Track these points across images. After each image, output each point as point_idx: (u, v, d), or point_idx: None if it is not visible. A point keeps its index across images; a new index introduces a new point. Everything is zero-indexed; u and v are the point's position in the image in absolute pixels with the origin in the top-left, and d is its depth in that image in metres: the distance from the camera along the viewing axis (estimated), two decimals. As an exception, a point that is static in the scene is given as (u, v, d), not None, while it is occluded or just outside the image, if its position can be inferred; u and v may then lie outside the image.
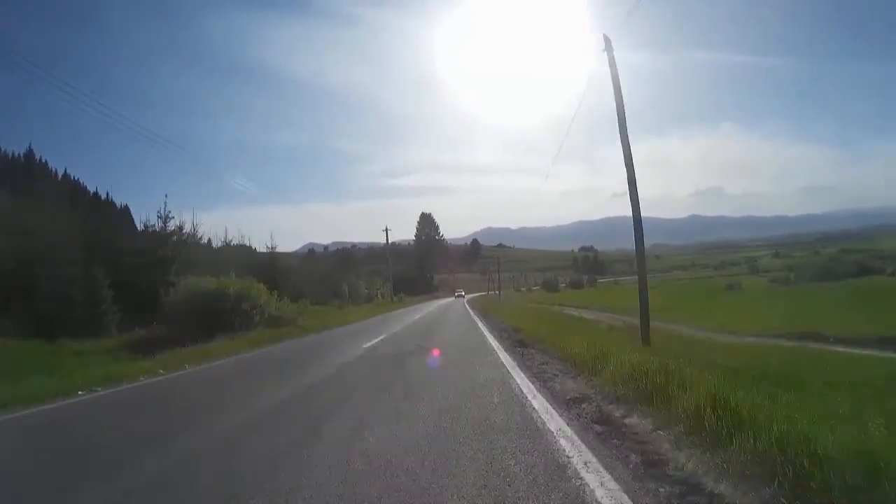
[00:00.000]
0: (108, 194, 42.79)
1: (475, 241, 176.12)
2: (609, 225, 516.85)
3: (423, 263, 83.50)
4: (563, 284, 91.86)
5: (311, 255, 77.18)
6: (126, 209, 35.41)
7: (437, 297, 60.92)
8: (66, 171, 51.10)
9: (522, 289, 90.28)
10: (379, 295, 46.42)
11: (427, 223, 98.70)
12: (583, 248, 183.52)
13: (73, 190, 41.68)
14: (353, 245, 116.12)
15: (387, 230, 46.61)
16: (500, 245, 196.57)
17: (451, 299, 52.88)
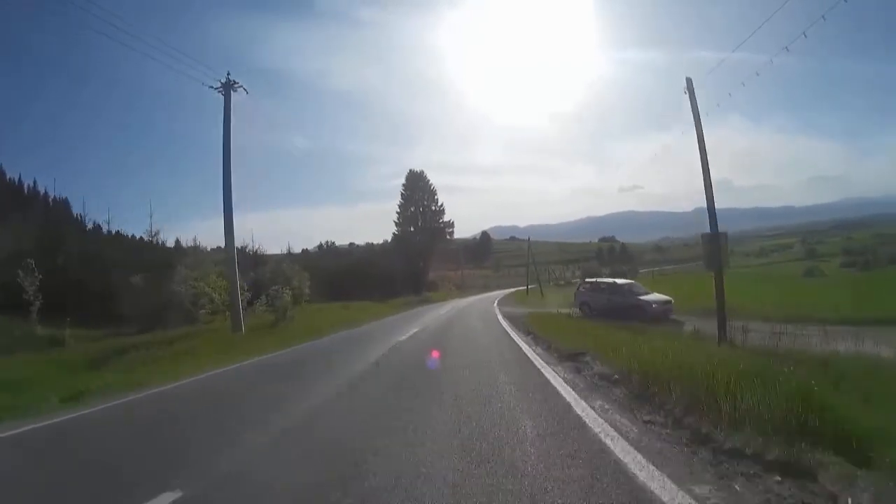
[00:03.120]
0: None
1: (485, 234, 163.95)
2: (617, 219, 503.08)
3: (411, 249, 56.32)
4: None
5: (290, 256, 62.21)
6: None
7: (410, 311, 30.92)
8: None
9: (560, 282, 78.21)
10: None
11: (418, 186, 60.25)
12: (603, 239, 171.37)
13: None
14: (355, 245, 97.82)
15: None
16: (511, 238, 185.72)
17: (448, 311, 26.91)
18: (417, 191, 61.21)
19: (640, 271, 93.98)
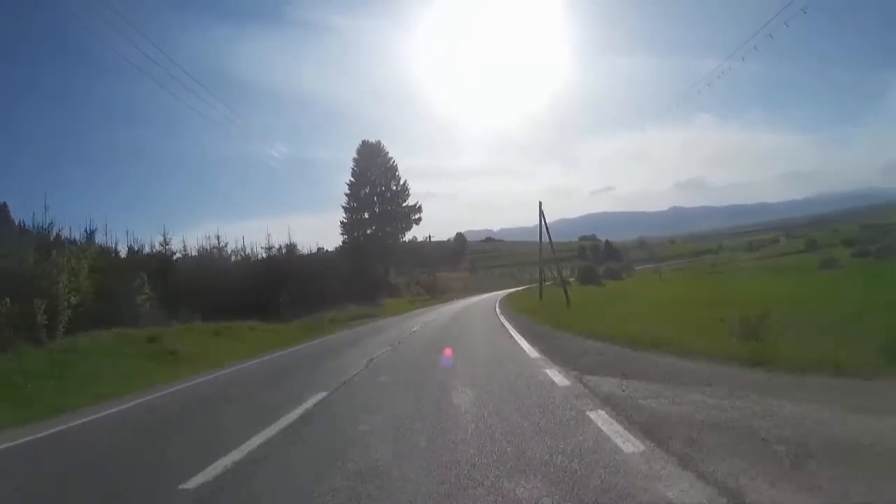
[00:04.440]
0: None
1: (460, 236, 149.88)
2: (591, 221, 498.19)
3: (364, 242, 42.53)
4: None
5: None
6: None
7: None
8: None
9: (550, 281, 65.24)
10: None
11: (373, 161, 45.23)
12: (583, 238, 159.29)
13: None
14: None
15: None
16: (487, 239, 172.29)
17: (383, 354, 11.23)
18: (373, 167, 45.73)
19: (636, 268, 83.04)
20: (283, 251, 29.10)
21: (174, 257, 23.94)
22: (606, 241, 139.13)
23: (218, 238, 26.59)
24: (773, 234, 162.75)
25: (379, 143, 46.85)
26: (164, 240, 22.70)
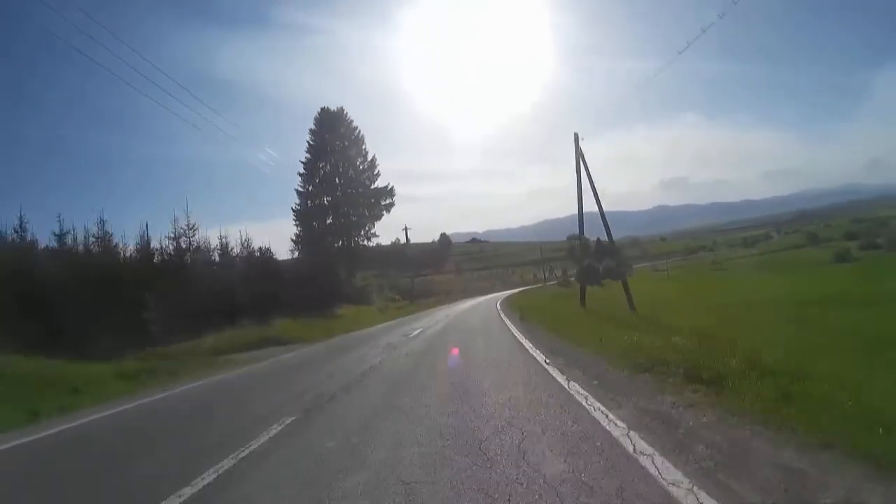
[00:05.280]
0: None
1: (444, 237, 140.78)
2: (576, 221, 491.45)
3: (320, 233, 33.85)
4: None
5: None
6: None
7: None
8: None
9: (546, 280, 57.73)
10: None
11: (335, 132, 36.08)
12: (572, 237, 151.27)
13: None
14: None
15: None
16: (473, 240, 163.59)
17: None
18: (334, 140, 36.05)
19: (634, 266, 76.60)
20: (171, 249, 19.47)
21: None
22: (598, 238, 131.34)
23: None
24: (765, 230, 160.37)
25: (342, 110, 37.10)
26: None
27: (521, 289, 50.83)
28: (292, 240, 33.34)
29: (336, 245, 32.91)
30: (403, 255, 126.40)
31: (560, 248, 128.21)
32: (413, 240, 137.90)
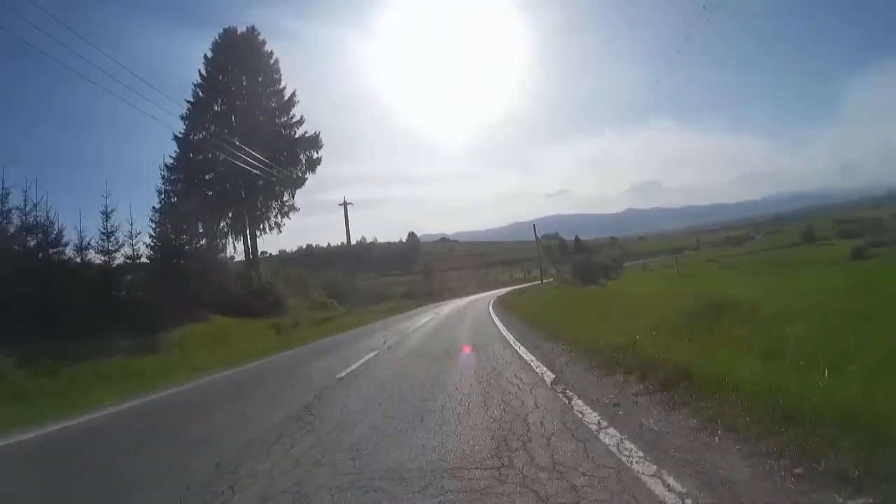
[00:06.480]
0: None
1: (412, 235, 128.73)
2: (545, 223, 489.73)
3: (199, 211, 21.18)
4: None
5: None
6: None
7: None
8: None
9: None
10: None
11: (238, 60, 25.13)
12: (547, 236, 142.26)
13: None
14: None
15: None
16: (442, 239, 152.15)
17: None
18: (236, 69, 23.54)
19: (625, 264, 68.64)
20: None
21: None
22: (576, 237, 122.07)
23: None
24: (743, 231, 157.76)
25: (252, 30, 24.67)
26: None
27: (510, 288, 39.59)
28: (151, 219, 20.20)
29: (224, 221, 20.53)
30: (369, 255, 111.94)
31: (532, 249, 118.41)
32: (380, 240, 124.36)
